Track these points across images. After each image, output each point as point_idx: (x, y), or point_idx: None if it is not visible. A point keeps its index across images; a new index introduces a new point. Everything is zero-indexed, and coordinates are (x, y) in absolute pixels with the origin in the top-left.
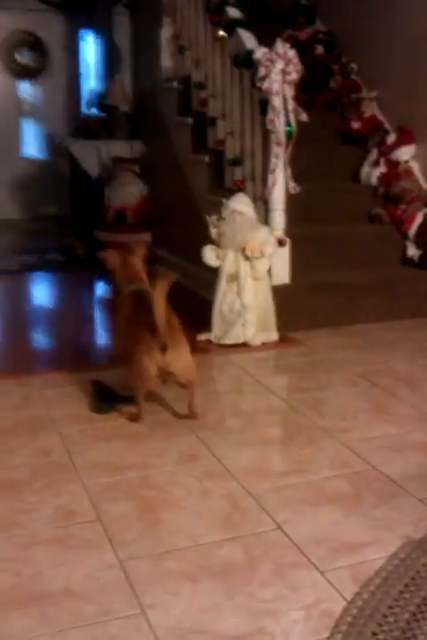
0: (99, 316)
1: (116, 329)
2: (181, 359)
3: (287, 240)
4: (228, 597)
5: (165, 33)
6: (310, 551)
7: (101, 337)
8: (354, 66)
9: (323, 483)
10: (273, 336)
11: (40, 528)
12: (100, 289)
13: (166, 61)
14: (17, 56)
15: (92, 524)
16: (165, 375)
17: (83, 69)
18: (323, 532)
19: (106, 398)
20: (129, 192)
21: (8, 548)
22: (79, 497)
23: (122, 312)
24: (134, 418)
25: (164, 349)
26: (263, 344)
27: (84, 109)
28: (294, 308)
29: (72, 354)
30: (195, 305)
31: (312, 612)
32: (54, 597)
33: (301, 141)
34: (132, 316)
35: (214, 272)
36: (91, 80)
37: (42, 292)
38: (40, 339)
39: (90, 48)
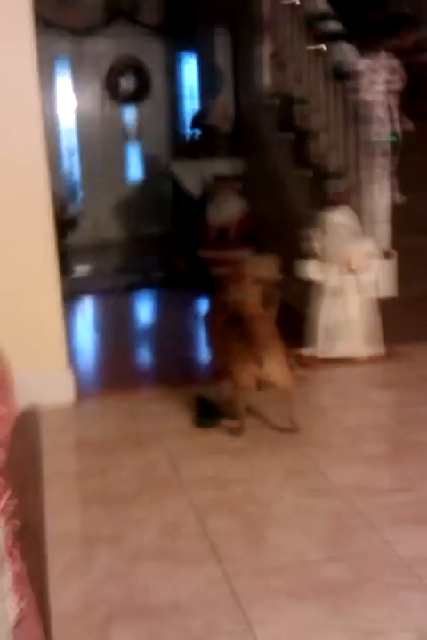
0: (201, 332)
1: (217, 343)
2: (277, 369)
3: (393, 252)
4: (334, 616)
5: (265, 50)
6: (421, 570)
7: (204, 352)
8: None
9: None
10: (379, 350)
11: (147, 542)
12: (203, 305)
13: (267, 78)
14: (120, 81)
15: (198, 538)
16: (263, 384)
17: (184, 91)
18: None
19: (209, 413)
20: (230, 209)
21: (117, 561)
22: (185, 511)
23: (223, 326)
24: (236, 431)
25: (260, 363)
26: (369, 358)
27: (185, 130)
28: (400, 320)
29: (176, 369)
30: (296, 320)
31: (424, 634)
32: (161, 611)
33: (406, 150)
34: (230, 329)
35: (315, 286)
36: (192, 101)
37: (146, 309)
38: (145, 355)
39: (190, 69)
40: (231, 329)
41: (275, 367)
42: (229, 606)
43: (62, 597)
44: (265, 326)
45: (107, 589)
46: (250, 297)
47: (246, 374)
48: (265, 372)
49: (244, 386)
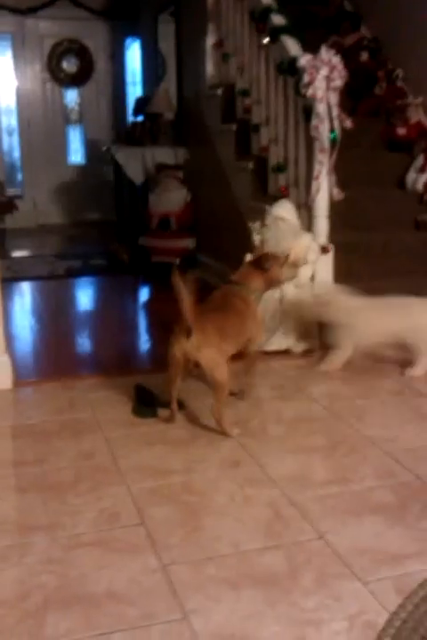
0: (142, 321)
1: None
2: (206, 350)
3: (331, 247)
4: (269, 605)
5: (210, 40)
6: (352, 561)
7: (145, 341)
8: (399, 72)
9: (366, 492)
10: (315, 344)
11: (84, 530)
12: (144, 294)
13: (210, 68)
14: (63, 64)
15: (136, 527)
16: (191, 365)
17: (127, 76)
18: (366, 542)
19: (148, 402)
20: (173, 198)
21: (53, 549)
22: (123, 500)
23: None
24: (168, 419)
25: (188, 334)
26: (305, 351)
27: (129, 116)
28: None
29: (115, 358)
30: None
31: (355, 623)
32: (97, 599)
33: (345, 148)
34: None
35: None
36: (135, 87)
37: (86, 297)
38: (84, 343)
39: (134, 55)
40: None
41: (203, 345)
42: (165, 595)
43: None
44: (200, 309)
45: (42, 577)
46: (248, 287)
47: (177, 345)
48: (191, 346)
49: (172, 358)
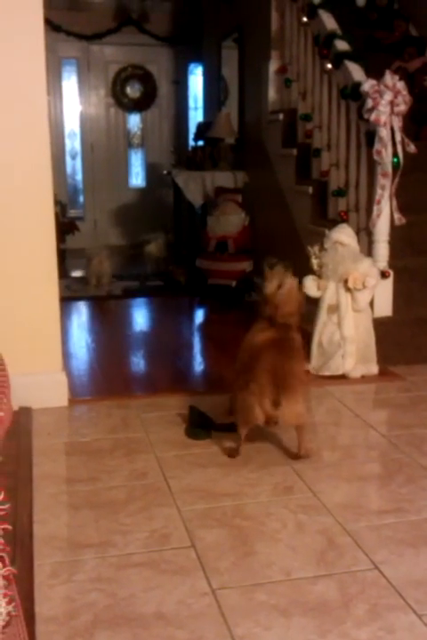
0: (197, 342)
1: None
2: (291, 409)
3: (390, 272)
4: (320, 635)
5: (272, 66)
6: (408, 593)
7: (200, 363)
8: None
9: (424, 523)
10: (373, 369)
11: (135, 550)
12: (200, 315)
13: (272, 94)
14: (127, 89)
15: (186, 550)
16: (273, 421)
17: (190, 102)
18: (422, 574)
19: (202, 425)
20: (231, 221)
21: (103, 567)
22: (174, 522)
23: (255, 340)
24: (232, 453)
25: (276, 404)
26: (363, 377)
27: (190, 140)
28: (395, 341)
29: (170, 379)
30: None
31: None
32: (146, 620)
33: (408, 173)
34: (262, 352)
35: (314, 303)
36: (197, 112)
37: (142, 317)
38: (139, 363)
39: (197, 81)
40: (263, 354)
41: (291, 408)
42: (213, 619)
43: (47, 602)
44: (297, 362)
45: (92, 596)
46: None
47: (259, 411)
48: (280, 414)
49: (251, 417)
